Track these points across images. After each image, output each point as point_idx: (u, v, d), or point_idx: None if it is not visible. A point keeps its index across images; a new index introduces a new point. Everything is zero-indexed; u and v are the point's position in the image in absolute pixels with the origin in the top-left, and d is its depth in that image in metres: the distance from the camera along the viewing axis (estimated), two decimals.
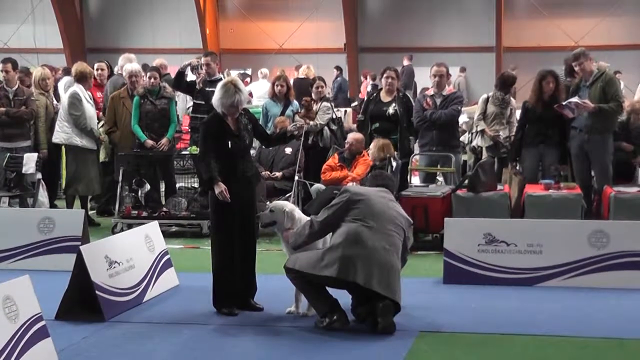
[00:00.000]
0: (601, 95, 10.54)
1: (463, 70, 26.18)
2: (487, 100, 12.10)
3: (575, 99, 10.55)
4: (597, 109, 10.43)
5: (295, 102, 12.62)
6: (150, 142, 11.73)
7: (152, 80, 11.92)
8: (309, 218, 7.35)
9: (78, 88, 11.96)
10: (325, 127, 12.01)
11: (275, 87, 12.53)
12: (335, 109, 12.69)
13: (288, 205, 7.67)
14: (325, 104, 12.17)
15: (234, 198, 7.48)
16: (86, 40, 30.15)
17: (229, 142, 7.51)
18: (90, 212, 12.13)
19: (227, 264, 7.54)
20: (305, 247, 7.24)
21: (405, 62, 23.92)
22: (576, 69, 10.81)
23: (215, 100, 7.56)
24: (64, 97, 12.10)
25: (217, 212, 7.55)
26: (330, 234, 7.20)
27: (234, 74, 18.89)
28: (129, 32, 29.90)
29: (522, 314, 7.51)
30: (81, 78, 12.03)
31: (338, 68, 25.18)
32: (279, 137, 8.56)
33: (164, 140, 11.78)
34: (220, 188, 7.39)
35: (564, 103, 10.58)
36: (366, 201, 7.08)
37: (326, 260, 6.88)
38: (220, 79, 11.58)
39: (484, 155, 11.96)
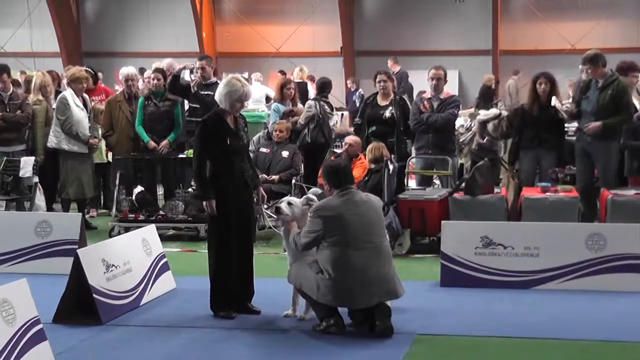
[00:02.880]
0: (609, 104, 10.42)
1: (516, 73, 24.51)
2: (496, 117, 12.17)
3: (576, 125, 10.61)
4: (602, 128, 10.37)
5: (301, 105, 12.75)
6: (153, 144, 11.73)
7: (156, 81, 11.91)
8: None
9: (68, 92, 11.93)
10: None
11: (286, 90, 12.52)
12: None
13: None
14: (309, 102, 12.36)
15: (232, 198, 7.49)
16: (83, 44, 30.11)
17: (228, 139, 7.50)
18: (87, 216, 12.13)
19: (224, 266, 7.54)
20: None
21: (396, 68, 22.80)
22: (585, 72, 10.77)
23: (221, 95, 7.54)
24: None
25: (214, 215, 7.54)
26: None
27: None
28: (125, 36, 29.88)
29: (519, 317, 7.51)
30: (73, 82, 11.97)
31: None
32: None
33: (164, 142, 11.77)
34: (211, 205, 7.46)
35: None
36: (340, 222, 6.91)
37: (322, 289, 6.87)
38: (216, 83, 11.61)
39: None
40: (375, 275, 6.89)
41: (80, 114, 11.77)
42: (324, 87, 12.98)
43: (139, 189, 11.78)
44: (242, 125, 7.75)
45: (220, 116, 7.59)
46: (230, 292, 7.57)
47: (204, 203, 7.59)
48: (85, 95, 12.22)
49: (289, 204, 7.43)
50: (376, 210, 7.16)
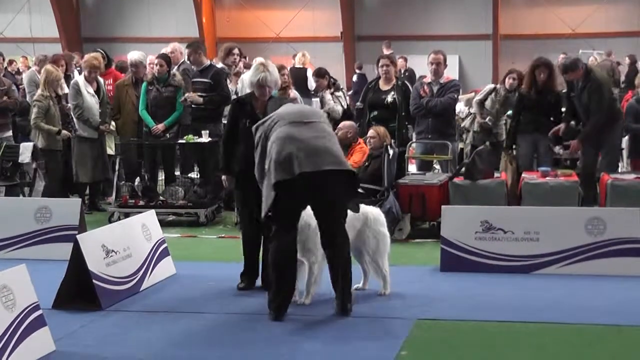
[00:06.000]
0: (588, 104, 10.56)
1: (609, 54, 23.27)
2: (492, 91, 12.22)
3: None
4: (580, 145, 10.68)
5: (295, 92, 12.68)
6: (158, 128, 11.72)
7: (159, 67, 11.89)
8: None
9: (80, 78, 11.98)
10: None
11: (280, 76, 12.44)
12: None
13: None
14: (339, 92, 13.00)
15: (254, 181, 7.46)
16: (82, 30, 30.07)
17: (247, 122, 7.63)
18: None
19: (252, 236, 7.79)
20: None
21: (388, 52, 22.29)
22: (566, 77, 10.73)
23: (246, 79, 7.78)
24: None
25: (240, 189, 7.82)
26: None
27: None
28: (125, 21, 29.84)
29: (519, 301, 7.51)
30: (85, 68, 12.01)
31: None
32: None
33: (159, 125, 11.73)
34: (226, 179, 7.97)
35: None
36: (271, 117, 7.15)
37: (272, 173, 6.82)
38: (210, 66, 11.74)
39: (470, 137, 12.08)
40: (319, 145, 6.94)
41: (91, 101, 11.83)
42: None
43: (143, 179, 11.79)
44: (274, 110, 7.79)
45: (249, 98, 7.90)
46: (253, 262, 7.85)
47: (222, 177, 7.99)
48: (101, 80, 12.20)
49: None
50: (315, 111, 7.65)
